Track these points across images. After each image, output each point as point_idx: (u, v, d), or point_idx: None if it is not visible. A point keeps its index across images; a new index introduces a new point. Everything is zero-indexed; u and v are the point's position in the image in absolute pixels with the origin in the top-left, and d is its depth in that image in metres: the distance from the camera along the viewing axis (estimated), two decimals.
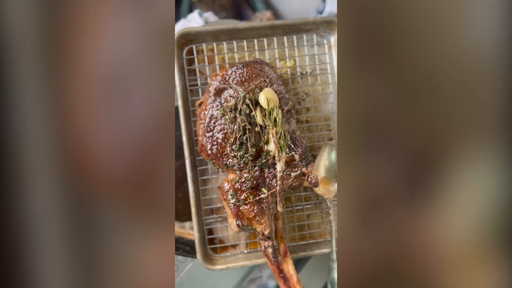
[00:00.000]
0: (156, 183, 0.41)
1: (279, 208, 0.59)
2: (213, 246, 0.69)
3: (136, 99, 0.40)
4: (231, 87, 0.62)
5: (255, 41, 0.70)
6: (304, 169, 0.60)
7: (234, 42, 0.70)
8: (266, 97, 0.59)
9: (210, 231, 0.70)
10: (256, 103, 0.60)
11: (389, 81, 0.41)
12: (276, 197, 0.60)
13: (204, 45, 0.70)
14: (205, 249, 0.68)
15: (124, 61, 0.40)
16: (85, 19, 0.39)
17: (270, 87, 0.62)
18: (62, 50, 0.39)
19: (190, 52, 0.70)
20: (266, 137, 0.60)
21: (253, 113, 0.60)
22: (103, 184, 0.40)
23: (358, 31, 0.41)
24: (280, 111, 0.59)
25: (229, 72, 0.63)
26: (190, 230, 0.73)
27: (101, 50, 0.40)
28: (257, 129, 0.60)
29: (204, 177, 0.70)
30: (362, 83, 0.41)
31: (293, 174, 0.60)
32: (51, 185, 0.39)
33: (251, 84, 0.62)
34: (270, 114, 0.59)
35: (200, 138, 0.63)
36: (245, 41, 0.70)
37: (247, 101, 0.59)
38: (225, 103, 0.62)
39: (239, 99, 0.59)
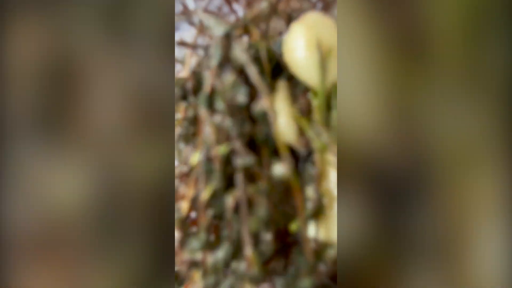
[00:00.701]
0: None
1: None
2: None
3: None
4: (191, 23, 0.29)
5: None
6: None
7: None
8: (313, 39, 0.22)
9: None
10: (276, 69, 0.24)
11: None
12: None
13: None
14: None
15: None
16: None
17: (319, 11, 0.27)
18: None
19: None
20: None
21: (265, 104, 0.23)
22: None
23: None
24: None
25: None
26: None
27: None
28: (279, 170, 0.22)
29: None
30: None
31: None
32: None
33: (255, 4, 0.28)
34: (328, 106, 0.22)
35: None
36: None
37: (245, 55, 0.23)
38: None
39: (214, 46, 0.24)
